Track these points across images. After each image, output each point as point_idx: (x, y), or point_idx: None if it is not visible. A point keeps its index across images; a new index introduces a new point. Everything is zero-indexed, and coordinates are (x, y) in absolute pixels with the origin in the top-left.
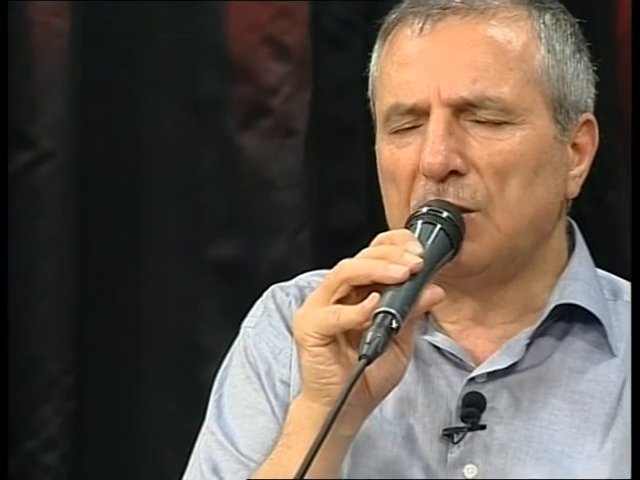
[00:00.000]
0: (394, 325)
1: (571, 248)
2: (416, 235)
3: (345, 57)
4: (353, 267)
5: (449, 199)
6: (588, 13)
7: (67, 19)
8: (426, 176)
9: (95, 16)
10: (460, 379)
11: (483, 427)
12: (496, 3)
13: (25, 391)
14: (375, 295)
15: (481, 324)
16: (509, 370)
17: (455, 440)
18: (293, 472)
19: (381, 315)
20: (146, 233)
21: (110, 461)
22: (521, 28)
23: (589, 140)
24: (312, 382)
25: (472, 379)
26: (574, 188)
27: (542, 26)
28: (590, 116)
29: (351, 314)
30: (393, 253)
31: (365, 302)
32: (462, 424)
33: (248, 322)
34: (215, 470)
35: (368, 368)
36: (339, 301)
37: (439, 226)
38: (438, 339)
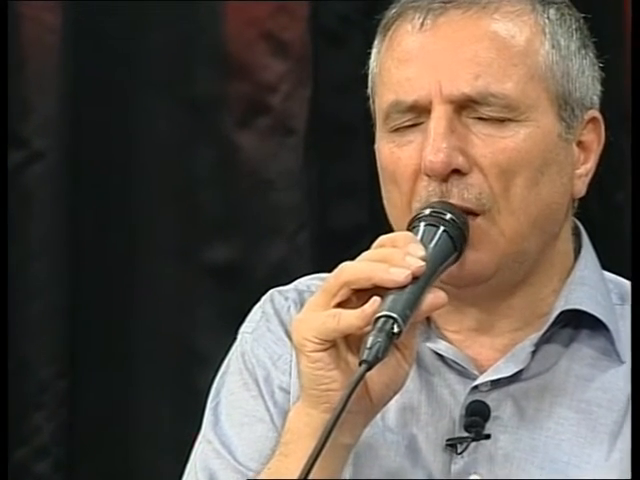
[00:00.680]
0: (395, 330)
1: (577, 250)
2: (418, 237)
3: (345, 54)
4: (354, 270)
5: (453, 200)
6: (594, 8)
7: (59, 14)
8: (428, 176)
9: (88, 11)
10: (464, 387)
11: (487, 437)
12: None
13: (16, 397)
14: (376, 299)
15: (485, 334)
16: (514, 378)
17: (459, 450)
18: None
19: (382, 319)
20: (141, 235)
21: (104, 469)
22: (525, 23)
23: (595, 138)
24: (311, 388)
25: (476, 387)
26: (580, 187)
27: (546, 21)
28: (596, 113)
29: (351, 318)
30: (395, 256)
31: (366, 306)
32: (466, 434)
33: (246, 327)
34: (212, 479)
35: (369, 374)
36: (339, 305)
37: (442, 228)
38: (441, 347)
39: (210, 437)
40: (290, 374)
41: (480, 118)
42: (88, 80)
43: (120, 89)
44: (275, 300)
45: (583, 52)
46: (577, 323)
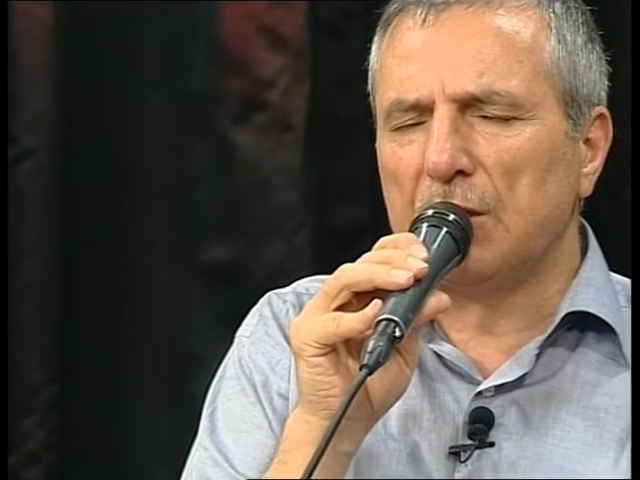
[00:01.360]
0: (397, 333)
1: (584, 250)
2: (421, 239)
3: (345, 48)
4: (354, 272)
5: (456, 201)
6: (600, 0)
7: (50, 8)
8: (431, 176)
9: (80, 5)
10: (467, 393)
11: (491, 444)
12: None
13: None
14: (377, 302)
15: (489, 332)
16: (518, 383)
17: (462, 459)
18: None
19: (383, 323)
20: (134, 235)
21: (97, 476)
22: (530, 18)
23: (602, 135)
24: (310, 394)
25: (479, 393)
26: (587, 186)
27: (552, 15)
28: (603, 110)
29: (352, 322)
30: (396, 257)
31: (366, 309)
32: (469, 441)
33: (243, 331)
34: None
35: (369, 379)
36: (339, 308)
37: (445, 229)
38: (444, 349)
39: (207, 444)
40: (289, 380)
41: (484, 117)
42: (80, 76)
43: (113, 85)
44: (273, 303)
45: (590, 46)
46: (583, 326)
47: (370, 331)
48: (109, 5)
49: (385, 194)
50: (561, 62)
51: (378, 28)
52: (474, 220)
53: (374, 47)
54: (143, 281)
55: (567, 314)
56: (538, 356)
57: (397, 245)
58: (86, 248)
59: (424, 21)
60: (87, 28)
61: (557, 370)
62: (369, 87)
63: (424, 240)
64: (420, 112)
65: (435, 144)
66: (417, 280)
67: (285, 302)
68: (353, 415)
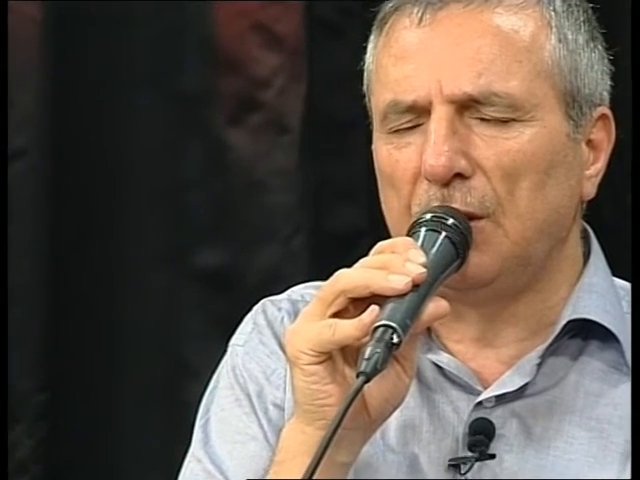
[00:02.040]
0: (395, 340)
1: (586, 255)
2: (419, 243)
3: (343, 46)
4: (350, 278)
5: (455, 205)
6: None
7: (39, 6)
8: (428, 180)
9: (70, 3)
10: (467, 404)
11: (492, 456)
12: None
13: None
14: (374, 308)
15: (489, 345)
16: (520, 394)
17: (462, 471)
18: None
19: (381, 329)
20: (125, 239)
21: None
22: (529, 16)
23: (605, 136)
24: (306, 404)
25: (479, 404)
26: (590, 189)
27: (552, 13)
28: (606, 110)
29: (348, 328)
30: (394, 262)
31: (363, 315)
32: (469, 453)
33: (236, 340)
34: None
35: (367, 387)
36: (335, 315)
37: (444, 234)
38: (443, 359)
39: (200, 456)
40: (285, 390)
41: (483, 119)
42: (71, 75)
43: (104, 84)
44: (267, 311)
45: (592, 45)
46: (586, 333)
47: (367, 338)
48: (99, 3)
49: (382, 197)
50: (562, 62)
51: (374, 27)
52: (473, 225)
53: (370, 47)
54: (134, 286)
55: (569, 322)
56: (540, 365)
57: (395, 250)
58: (76, 252)
59: (421, 20)
60: (77, 27)
61: (559, 380)
62: (364, 88)
63: (422, 245)
64: (417, 114)
65: (432, 147)
66: (415, 285)
67: (280, 310)
68: (350, 425)
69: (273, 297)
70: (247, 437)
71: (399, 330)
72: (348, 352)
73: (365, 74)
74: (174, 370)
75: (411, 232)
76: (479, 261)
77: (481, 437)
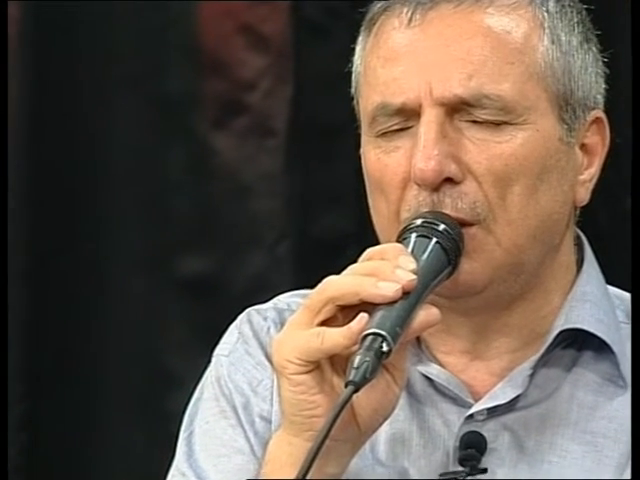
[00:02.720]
0: (385, 348)
1: (580, 263)
2: (409, 250)
3: (330, 48)
4: (339, 285)
5: (446, 211)
6: None
7: (17, 5)
8: (418, 185)
9: (49, 2)
10: (458, 417)
11: (484, 471)
12: None
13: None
14: (363, 316)
15: (480, 357)
16: (511, 406)
17: None
18: None
19: (370, 337)
20: (107, 245)
21: None
22: (522, 17)
23: (599, 140)
24: (293, 414)
25: (471, 416)
26: (584, 195)
27: (545, 14)
28: (600, 113)
29: (336, 337)
30: (383, 269)
31: (352, 323)
32: (460, 468)
33: (221, 350)
34: None
35: (356, 397)
36: (323, 323)
37: (435, 240)
38: (433, 371)
39: (184, 469)
40: (271, 402)
41: (474, 122)
42: (50, 76)
43: (84, 86)
44: (253, 320)
45: (586, 47)
46: (580, 344)
47: (356, 346)
48: (79, 3)
49: (370, 202)
50: (555, 63)
51: (362, 28)
52: (464, 231)
53: (358, 48)
54: (116, 294)
55: (561, 332)
56: (532, 377)
57: (384, 256)
58: (55, 258)
59: (410, 20)
60: (57, 27)
61: (552, 392)
62: (352, 90)
63: (413, 251)
64: (406, 117)
65: (422, 150)
66: (405, 293)
67: (266, 319)
68: (339, 436)
69: (258, 306)
70: (233, 450)
71: (389, 338)
72: (337, 361)
73: (353, 76)
74: (157, 380)
75: (401, 238)
76: (470, 268)
77: (472, 451)
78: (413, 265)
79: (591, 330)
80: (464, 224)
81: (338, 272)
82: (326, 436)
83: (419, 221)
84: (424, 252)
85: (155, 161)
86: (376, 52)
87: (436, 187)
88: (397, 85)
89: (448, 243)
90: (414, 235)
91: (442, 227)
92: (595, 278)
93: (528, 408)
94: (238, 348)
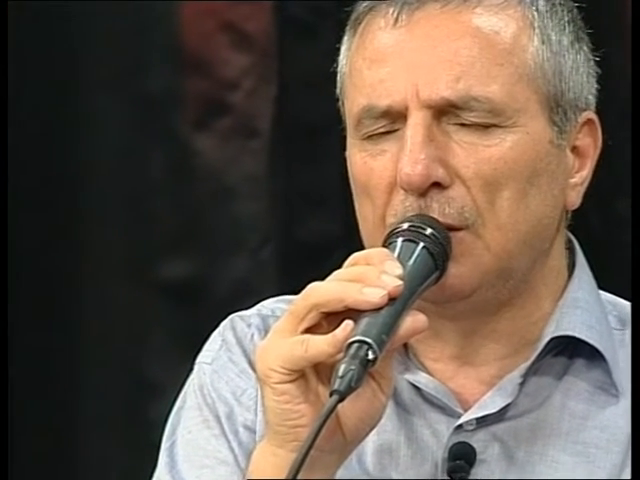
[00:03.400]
0: (370, 356)
1: (571, 267)
2: (395, 254)
3: (315, 47)
4: (323, 291)
5: (434, 216)
6: None
7: None
8: (404, 189)
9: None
10: (446, 427)
11: None
12: None
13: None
14: (349, 323)
15: (469, 363)
16: (501, 416)
17: None
18: None
19: (355, 345)
20: (85, 249)
21: None
22: (510, 16)
23: (591, 142)
24: (277, 425)
25: (460, 427)
26: (575, 198)
27: (535, 13)
28: (591, 115)
29: (321, 344)
30: (369, 275)
31: (337, 331)
32: (449, 479)
33: (204, 357)
34: None
35: (341, 407)
36: (308, 330)
37: (422, 244)
38: (421, 379)
39: None
40: (255, 411)
41: (462, 124)
42: (27, 76)
43: (63, 85)
44: (237, 327)
45: (577, 46)
46: (571, 351)
47: (341, 354)
48: (60, 3)
49: (356, 207)
50: (545, 64)
51: (347, 28)
52: (452, 235)
53: (343, 48)
54: (95, 299)
55: (552, 339)
56: (522, 385)
57: (370, 261)
58: (32, 263)
59: (396, 20)
60: (36, 24)
61: (543, 401)
62: (338, 91)
63: (399, 256)
64: (392, 119)
65: (408, 154)
66: (392, 299)
67: (250, 326)
68: (324, 446)
69: (242, 312)
70: (216, 461)
71: (374, 346)
72: (321, 369)
73: (338, 77)
74: (138, 387)
75: (387, 242)
76: (457, 272)
77: (461, 462)
78: (399, 270)
79: (582, 337)
80: (451, 229)
81: (324, 277)
82: (310, 446)
83: (405, 225)
84: (410, 257)
85: (136, 162)
86: (362, 53)
87: (423, 192)
88: (383, 87)
89: (435, 247)
90: (400, 239)
91: (429, 231)
92: (587, 283)
93: (518, 418)
94: (221, 355)
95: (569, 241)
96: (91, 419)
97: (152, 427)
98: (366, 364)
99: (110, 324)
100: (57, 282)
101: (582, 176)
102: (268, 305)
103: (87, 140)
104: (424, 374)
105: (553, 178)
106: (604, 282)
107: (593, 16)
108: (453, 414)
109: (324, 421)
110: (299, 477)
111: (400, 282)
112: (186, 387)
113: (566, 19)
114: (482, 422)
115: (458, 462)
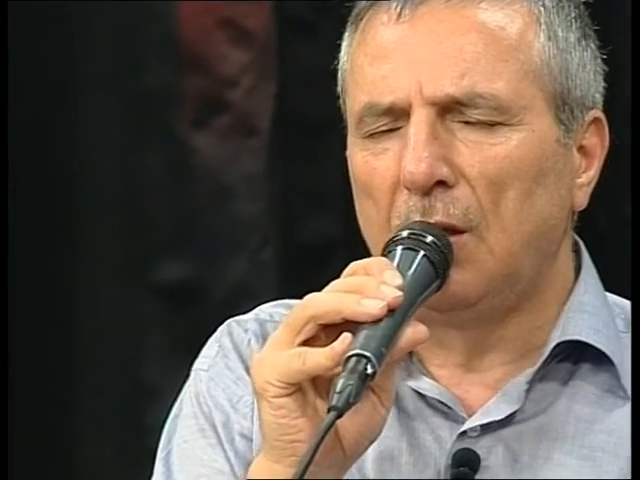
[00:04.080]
0: (369, 370)
1: (578, 270)
2: (395, 263)
3: (316, 43)
4: (321, 302)
5: (438, 217)
6: None
7: None
8: (408, 189)
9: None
10: (450, 433)
11: None
12: None
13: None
14: (347, 335)
15: (474, 369)
16: (506, 421)
17: None
18: None
19: (354, 359)
20: (81, 250)
21: None
22: (516, 12)
23: (598, 142)
24: (274, 439)
25: (464, 433)
26: (582, 199)
27: (542, 9)
28: (598, 113)
29: (319, 358)
30: (368, 285)
31: (335, 344)
32: None
33: (200, 364)
34: None
35: (340, 422)
36: (305, 343)
37: (422, 253)
38: (424, 385)
39: None
40: (252, 419)
41: (467, 122)
42: (22, 73)
43: (60, 82)
44: (234, 332)
45: (584, 43)
46: (578, 356)
47: (340, 368)
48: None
49: (357, 207)
50: (552, 61)
51: (349, 23)
52: (455, 240)
53: (344, 45)
54: (90, 302)
55: (558, 344)
56: (528, 392)
57: (369, 271)
58: (27, 264)
59: (399, 16)
60: (33, 22)
61: (549, 405)
62: (339, 89)
63: (398, 265)
64: (395, 117)
65: (412, 152)
66: (391, 310)
67: (247, 331)
68: (323, 462)
69: (239, 317)
70: (213, 471)
71: (374, 360)
72: (319, 383)
73: (340, 74)
74: (134, 392)
75: (386, 251)
76: (462, 279)
77: (465, 469)
78: (399, 280)
79: (589, 341)
80: (455, 231)
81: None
82: (309, 464)
83: (405, 233)
84: (410, 266)
85: (133, 161)
86: (363, 49)
87: (427, 191)
88: (386, 84)
89: (436, 256)
90: (400, 248)
91: (430, 239)
92: (593, 286)
93: (523, 422)
94: (218, 362)
95: (575, 243)
96: (87, 423)
97: (149, 430)
98: (365, 378)
99: (107, 327)
100: (54, 283)
101: (589, 176)
102: (266, 309)
103: (85, 139)
104: (428, 379)
105: (560, 178)
106: (612, 284)
107: (600, 13)
108: (457, 419)
109: (322, 438)
110: None
111: (400, 293)
112: (182, 394)
113: (573, 15)
114: (486, 428)
115: (462, 469)
